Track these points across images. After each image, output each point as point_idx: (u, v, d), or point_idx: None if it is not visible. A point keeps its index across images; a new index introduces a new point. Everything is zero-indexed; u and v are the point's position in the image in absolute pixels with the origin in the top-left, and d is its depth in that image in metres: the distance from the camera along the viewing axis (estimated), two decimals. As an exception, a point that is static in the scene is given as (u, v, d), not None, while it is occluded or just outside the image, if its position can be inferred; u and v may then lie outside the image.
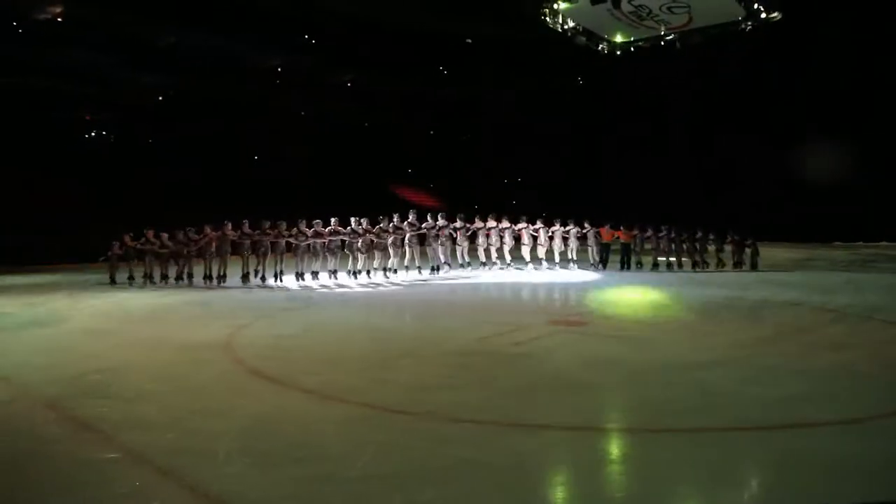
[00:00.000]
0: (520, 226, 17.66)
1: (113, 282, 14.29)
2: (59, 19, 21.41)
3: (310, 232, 14.86)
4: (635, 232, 17.70)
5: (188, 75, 25.82)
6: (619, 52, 21.15)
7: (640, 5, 17.90)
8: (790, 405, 5.77)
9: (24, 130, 24.55)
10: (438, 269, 16.79)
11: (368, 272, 15.73)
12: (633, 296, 13.38)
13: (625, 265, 17.82)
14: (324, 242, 15.06)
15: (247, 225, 14.61)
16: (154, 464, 4.59)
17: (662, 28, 19.52)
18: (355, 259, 15.58)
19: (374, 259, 15.77)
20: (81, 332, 9.56)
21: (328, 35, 26.52)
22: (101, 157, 26.35)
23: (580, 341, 8.78)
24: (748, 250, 17.66)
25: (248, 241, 14.57)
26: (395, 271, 16.08)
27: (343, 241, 15.33)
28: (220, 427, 5.34)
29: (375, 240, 15.57)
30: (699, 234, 17.69)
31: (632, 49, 21.03)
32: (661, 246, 17.55)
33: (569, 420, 5.48)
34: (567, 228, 17.61)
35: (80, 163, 24.60)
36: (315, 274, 15.14)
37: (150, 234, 14.35)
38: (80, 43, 22.78)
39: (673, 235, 17.48)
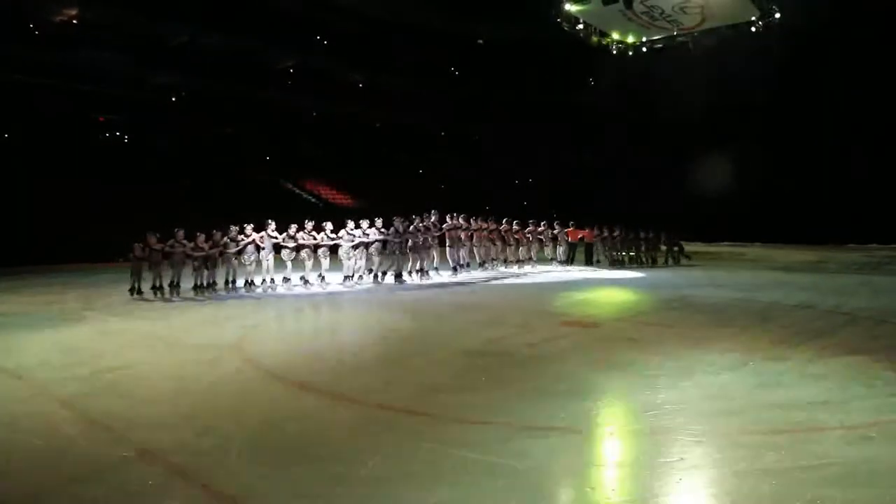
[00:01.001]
0: (503, 227, 18.39)
1: (137, 291, 12.59)
2: (74, 21, 21.63)
3: (357, 233, 14.79)
4: (596, 232, 19.92)
5: (201, 75, 26.01)
6: (630, 53, 21.15)
7: (653, 6, 17.87)
8: (804, 409, 5.71)
9: (37, 131, 24.85)
10: (456, 269, 16.90)
11: (411, 272, 15.83)
12: (641, 298, 13.31)
13: (589, 262, 19.62)
14: (367, 244, 15.04)
15: (294, 228, 14.12)
16: (166, 462, 4.62)
17: (675, 29, 19.51)
18: (395, 260, 15.58)
19: (416, 261, 15.86)
20: (96, 331, 9.63)
21: (339, 36, 26.66)
22: (114, 157, 26.62)
23: (592, 343, 8.75)
24: (675, 249, 20.39)
25: (291, 243, 14.09)
26: (420, 272, 16.15)
27: (384, 243, 15.32)
28: (233, 426, 5.37)
29: (420, 240, 15.66)
30: (643, 235, 20.15)
31: (644, 49, 21.02)
32: (616, 244, 19.94)
33: (581, 423, 5.46)
34: (540, 229, 19.09)
35: (94, 163, 24.83)
36: (359, 276, 15.12)
37: (181, 234, 12.74)
38: (93, 44, 23.03)
39: (624, 235, 19.97)
